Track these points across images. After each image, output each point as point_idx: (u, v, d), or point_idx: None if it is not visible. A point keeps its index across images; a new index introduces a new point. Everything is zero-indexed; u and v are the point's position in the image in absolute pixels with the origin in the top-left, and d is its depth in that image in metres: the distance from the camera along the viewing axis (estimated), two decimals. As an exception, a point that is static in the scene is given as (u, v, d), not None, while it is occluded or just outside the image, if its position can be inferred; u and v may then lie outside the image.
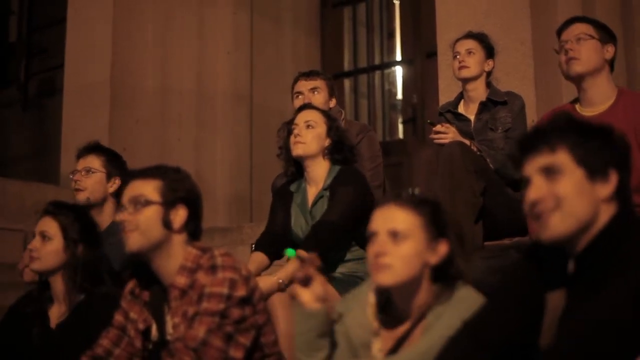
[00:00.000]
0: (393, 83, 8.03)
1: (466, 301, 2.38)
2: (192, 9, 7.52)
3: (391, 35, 8.03)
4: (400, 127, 7.77)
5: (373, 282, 2.45)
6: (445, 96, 5.06)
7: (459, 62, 4.32)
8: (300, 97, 4.49)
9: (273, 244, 3.81)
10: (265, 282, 3.45)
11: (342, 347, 2.54)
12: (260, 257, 3.78)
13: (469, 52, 4.31)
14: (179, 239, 2.79)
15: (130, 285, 2.92)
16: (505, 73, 4.88)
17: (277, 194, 4.06)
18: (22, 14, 9.65)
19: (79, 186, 4.02)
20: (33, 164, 8.69)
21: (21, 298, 3.48)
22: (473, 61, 4.30)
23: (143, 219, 2.75)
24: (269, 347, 2.82)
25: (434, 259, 2.41)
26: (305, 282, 2.55)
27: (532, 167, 2.12)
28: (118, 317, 2.90)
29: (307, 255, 2.57)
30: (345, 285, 3.38)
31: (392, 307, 2.50)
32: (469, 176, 3.87)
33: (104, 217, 3.99)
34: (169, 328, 2.78)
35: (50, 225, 3.25)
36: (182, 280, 2.74)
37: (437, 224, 2.43)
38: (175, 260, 2.77)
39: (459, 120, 4.34)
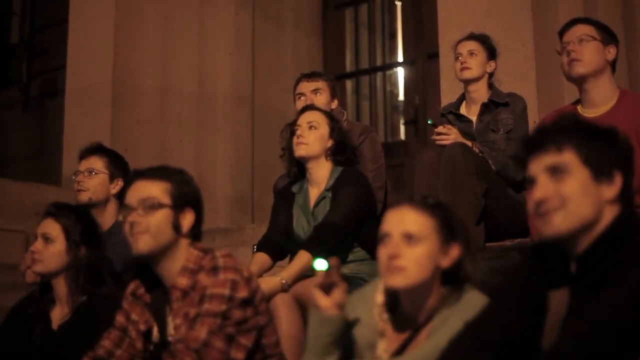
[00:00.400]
0: (395, 84, 8.03)
1: (473, 305, 2.37)
2: (193, 10, 7.52)
3: (393, 37, 8.02)
4: (402, 128, 7.76)
5: (385, 283, 2.44)
6: (447, 97, 5.06)
7: (461, 64, 4.31)
8: (302, 98, 4.49)
9: (275, 244, 3.82)
10: (268, 282, 3.45)
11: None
12: (262, 258, 3.78)
13: (471, 54, 4.31)
14: (184, 242, 2.79)
15: (132, 286, 2.92)
16: (507, 74, 4.88)
17: (279, 194, 4.06)
18: (24, 15, 9.66)
19: (81, 187, 4.02)
20: (34, 164, 8.69)
21: (23, 299, 3.48)
22: (475, 62, 4.30)
23: (154, 222, 2.74)
24: (270, 348, 2.82)
25: (445, 262, 2.41)
26: (327, 288, 2.52)
27: (538, 166, 2.12)
28: (119, 318, 2.90)
29: (332, 262, 2.53)
30: (348, 286, 3.37)
31: (399, 309, 2.49)
32: (470, 177, 3.87)
33: (106, 218, 3.99)
34: (171, 329, 2.78)
35: (52, 227, 3.25)
36: (183, 282, 2.74)
37: (449, 227, 2.43)
38: (178, 262, 2.77)
39: (461, 121, 4.34)
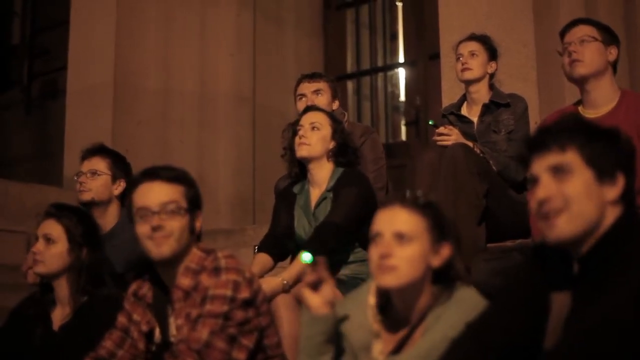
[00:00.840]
0: (396, 85, 8.03)
1: (465, 301, 2.39)
2: (194, 10, 7.52)
3: (394, 37, 8.02)
4: (403, 129, 7.76)
5: (377, 283, 2.45)
6: (448, 98, 5.06)
7: (462, 64, 4.31)
8: (303, 99, 4.50)
9: (277, 245, 3.82)
10: (270, 283, 3.44)
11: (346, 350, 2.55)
12: (264, 259, 3.78)
13: (472, 54, 4.31)
14: (192, 244, 2.80)
15: (134, 286, 2.92)
16: (508, 75, 4.87)
17: (280, 195, 4.06)
18: (25, 16, 9.66)
19: (84, 188, 4.01)
20: (35, 165, 8.69)
21: (23, 300, 3.48)
22: (476, 63, 4.30)
23: (179, 226, 2.75)
24: (272, 349, 2.83)
25: (436, 261, 2.42)
26: (315, 286, 2.54)
27: (541, 166, 2.12)
28: (121, 319, 2.90)
29: (319, 258, 2.56)
30: (349, 287, 3.37)
31: (392, 309, 2.50)
32: (472, 178, 3.87)
33: (108, 219, 3.99)
34: (172, 330, 2.79)
35: (54, 228, 3.25)
36: (185, 282, 2.74)
37: (440, 226, 2.44)
38: (183, 262, 2.78)
39: (462, 122, 4.34)
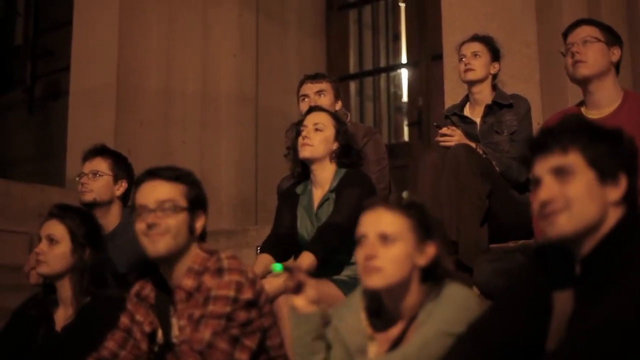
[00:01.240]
0: (399, 86, 8.03)
1: (455, 296, 2.42)
2: (197, 11, 7.52)
3: (397, 38, 8.02)
4: (406, 129, 7.76)
5: (363, 284, 2.48)
6: (450, 99, 5.05)
7: (465, 65, 4.31)
8: (306, 99, 4.50)
9: (279, 245, 3.81)
10: (272, 283, 3.44)
11: (339, 354, 2.56)
12: (266, 259, 3.77)
13: (475, 55, 4.30)
14: (194, 244, 2.81)
15: (136, 287, 2.93)
16: (511, 76, 4.87)
17: (282, 196, 4.06)
18: (28, 17, 9.67)
19: (86, 189, 4.01)
20: (38, 166, 8.69)
21: (26, 301, 3.48)
22: (479, 64, 4.30)
23: (175, 224, 2.76)
24: (274, 350, 2.83)
25: (422, 260, 2.45)
26: (297, 289, 2.60)
27: (543, 167, 2.12)
28: (124, 320, 2.91)
29: (293, 264, 2.60)
30: (352, 287, 3.37)
31: (384, 311, 2.52)
32: (474, 179, 3.87)
33: (110, 220, 3.99)
34: (175, 330, 2.79)
35: (57, 229, 3.25)
36: (188, 283, 2.74)
37: (424, 226, 2.47)
38: (185, 263, 2.78)
39: (465, 123, 4.33)
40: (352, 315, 2.57)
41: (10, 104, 9.39)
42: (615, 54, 3.73)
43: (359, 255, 2.44)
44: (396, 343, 2.45)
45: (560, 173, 2.08)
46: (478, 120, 4.30)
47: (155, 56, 7.30)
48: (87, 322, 3.14)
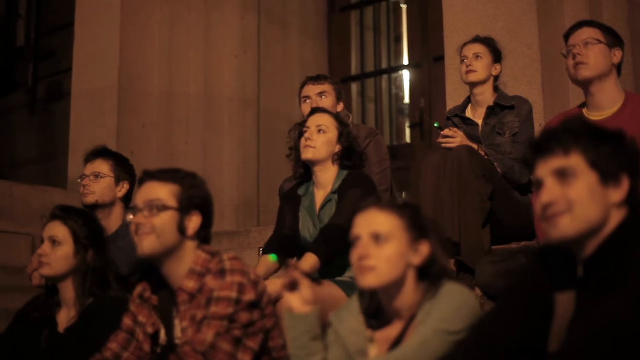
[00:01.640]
0: (400, 87, 8.04)
1: (453, 294, 2.43)
2: (199, 13, 7.54)
3: (398, 40, 8.03)
4: (408, 131, 7.77)
5: (358, 285, 2.50)
6: (452, 100, 5.06)
7: (467, 67, 4.31)
8: (308, 101, 4.50)
9: (282, 247, 3.81)
10: (275, 285, 3.44)
11: (339, 356, 2.56)
12: (269, 261, 3.77)
13: (477, 57, 4.31)
14: (191, 245, 2.80)
15: (139, 288, 2.93)
16: (513, 77, 4.88)
17: (285, 197, 4.06)
18: (30, 18, 9.68)
19: (87, 191, 4.02)
20: (40, 167, 8.70)
21: (29, 302, 3.48)
22: (481, 65, 4.30)
23: (159, 223, 2.75)
24: (277, 351, 2.83)
25: (416, 259, 2.46)
26: (293, 287, 2.62)
27: (545, 169, 2.12)
28: (127, 321, 2.91)
29: (290, 261, 2.60)
30: (354, 289, 3.37)
31: (382, 311, 2.53)
32: (476, 180, 3.87)
33: (112, 221, 4.00)
34: (178, 332, 2.79)
35: (59, 230, 3.25)
36: (190, 284, 2.74)
37: (418, 225, 2.48)
38: (186, 264, 2.78)
39: (467, 124, 4.34)
40: (352, 318, 2.58)
41: (13, 106, 9.40)
42: (617, 55, 3.73)
43: (353, 256, 2.46)
44: (396, 343, 2.45)
45: (563, 175, 2.09)
46: (480, 121, 4.30)
47: (157, 58, 7.31)
48: (90, 323, 3.14)
